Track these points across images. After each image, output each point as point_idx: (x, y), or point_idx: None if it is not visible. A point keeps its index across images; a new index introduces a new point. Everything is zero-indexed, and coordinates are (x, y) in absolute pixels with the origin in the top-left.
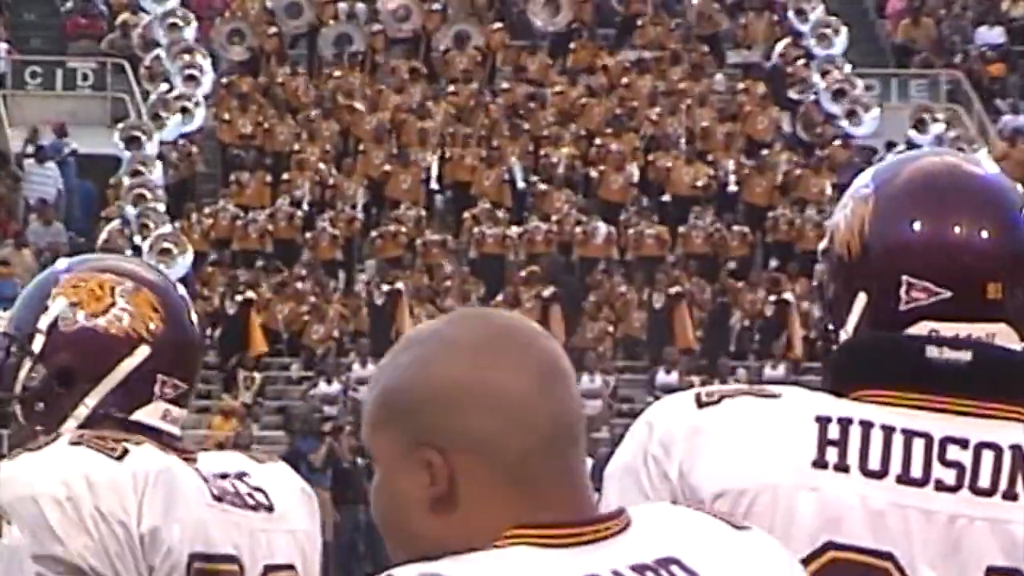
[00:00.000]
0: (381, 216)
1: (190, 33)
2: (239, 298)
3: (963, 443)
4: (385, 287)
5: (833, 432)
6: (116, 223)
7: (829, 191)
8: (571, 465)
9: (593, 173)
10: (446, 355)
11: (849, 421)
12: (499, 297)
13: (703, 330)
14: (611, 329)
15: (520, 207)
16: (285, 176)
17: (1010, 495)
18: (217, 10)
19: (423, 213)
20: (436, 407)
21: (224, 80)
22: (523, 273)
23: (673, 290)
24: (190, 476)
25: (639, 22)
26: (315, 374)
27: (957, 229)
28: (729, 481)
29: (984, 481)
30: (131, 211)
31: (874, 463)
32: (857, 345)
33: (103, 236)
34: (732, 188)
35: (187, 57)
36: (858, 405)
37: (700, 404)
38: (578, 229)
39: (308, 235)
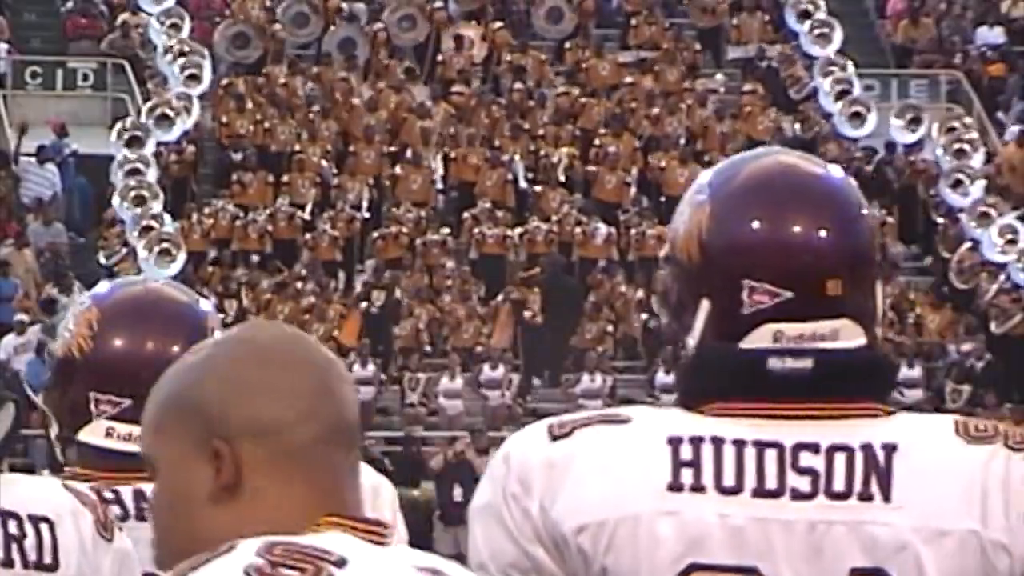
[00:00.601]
0: (382, 217)
1: (188, 32)
2: (237, 302)
3: (815, 448)
4: (383, 290)
5: (686, 453)
6: (116, 223)
7: None
8: (355, 466)
9: (591, 169)
10: (235, 354)
11: (701, 440)
12: (499, 297)
13: None
14: (611, 329)
15: (521, 207)
16: (285, 176)
17: (866, 496)
18: (216, 10)
19: (423, 213)
20: (224, 398)
21: (224, 80)
22: (523, 273)
23: None
24: None
25: (633, 22)
26: None
27: (793, 228)
28: (589, 514)
29: (839, 485)
30: (130, 211)
31: (729, 480)
32: (701, 360)
33: (103, 236)
34: None
35: (187, 57)
36: (709, 421)
37: (553, 437)
38: (578, 229)
39: (308, 235)
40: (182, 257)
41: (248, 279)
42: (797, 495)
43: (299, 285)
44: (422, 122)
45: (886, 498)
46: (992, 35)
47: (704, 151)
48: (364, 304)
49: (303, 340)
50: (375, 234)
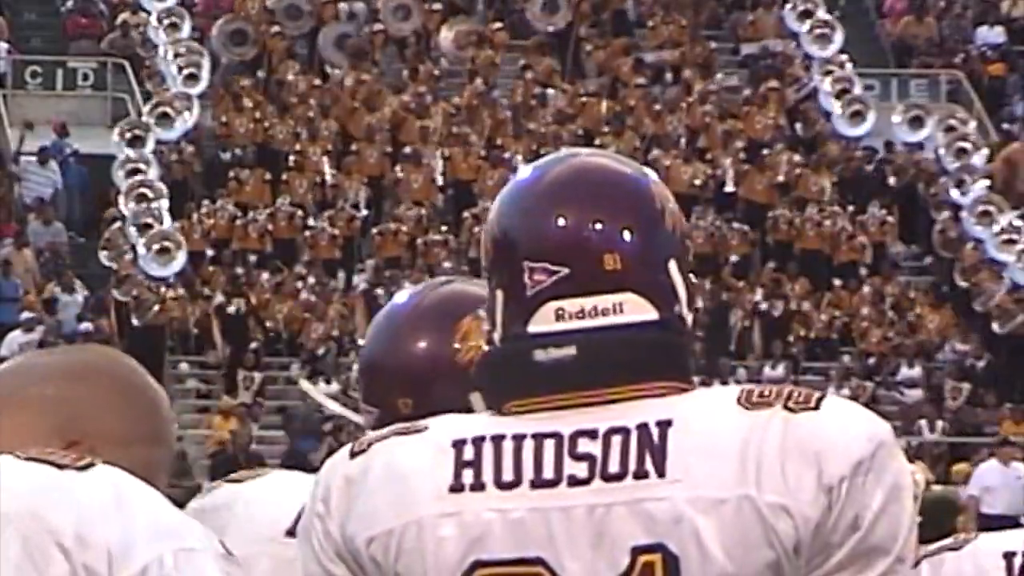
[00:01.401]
0: (382, 216)
1: (188, 32)
2: (242, 300)
3: (593, 434)
4: (382, 289)
5: (468, 454)
6: (116, 222)
7: (829, 191)
8: None
9: None
10: None
11: (482, 439)
12: None
13: (703, 330)
14: None
15: None
16: (284, 175)
17: (640, 474)
18: (223, 9)
19: (423, 213)
20: None
21: (223, 80)
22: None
23: None
24: None
25: (640, 20)
26: (315, 374)
27: (567, 208)
28: (377, 524)
29: (614, 466)
30: (131, 210)
31: (507, 474)
32: (483, 363)
33: (104, 235)
34: (731, 187)
35: (187, 56)
36: (499, 421)
37: (352, 454)
38: None
39: (308, 235)
40: (182, 256)
41: (248, 278)
42: (574, 481)
43: (299, 285)
44: (422, 121)
45: (660, 473)
46: (992, 35)
47: (705, 150)
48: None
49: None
50: (374, 231)
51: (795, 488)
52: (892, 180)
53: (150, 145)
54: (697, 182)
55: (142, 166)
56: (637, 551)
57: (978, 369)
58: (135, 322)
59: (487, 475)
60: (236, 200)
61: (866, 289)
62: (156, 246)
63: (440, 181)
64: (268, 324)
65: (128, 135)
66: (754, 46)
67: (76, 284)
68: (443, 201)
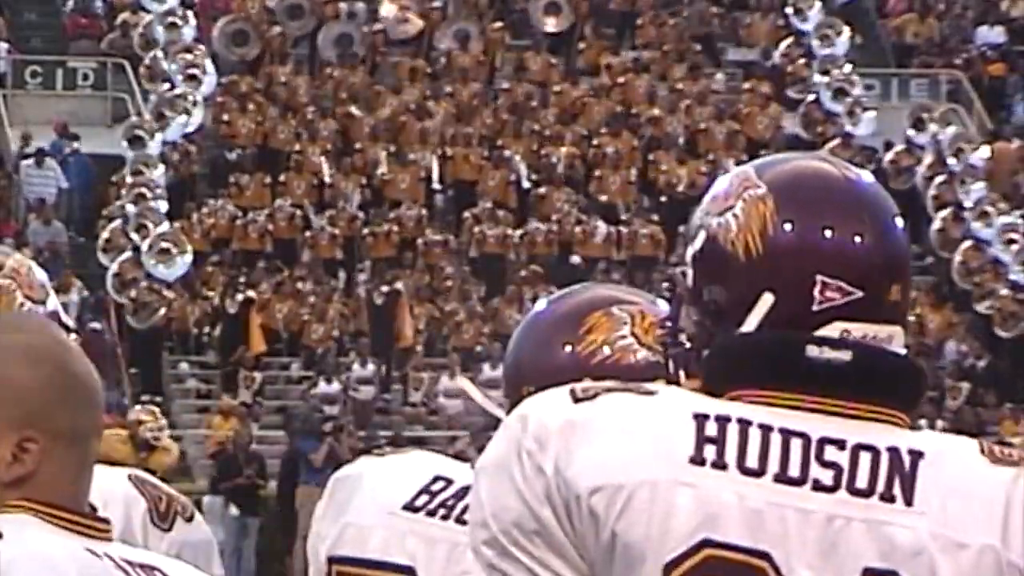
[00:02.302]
0: (379, 216)
1: (190, 32)
2: (239, 297)
3: (840, 444)
4: (384, 288)
5: (711, 429)
6: (116, 223)
7: None
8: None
9: (597, 172)
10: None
11: (727, 419)
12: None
13: None
14: None
15: (523, 207)
16: (284, 176)
17: (887, 497)
18: (218, 10)
19: (423, 213)
20: None
21: (224, 80)
22: (523, 273)
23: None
24: None
25: (639, 21)
26: (315, 374)
27: (865, 231)
28: (606, 476)
29: (861, 482)
30: (131, 210)
31: (752, 461)
32: (735, 345)
33: (104, 235)
34: None
35: (188, 56)
36: (735, 404)
37: (576, 399)
38: (578, 229)
39: (308, 234)
40: (187, 258)
41: (248, 278)
42: (819, 486)
43: (299, 285)
44: (421, 122)
45: (908, 502)
46: (992, 34)
47: (705, 151)
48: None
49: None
50: (365, 231)
51: None
52: (892, 180)
53: (154, 145)
54: (699, 183)
55: (142, 166)
56: (868, 573)
57: (978, 369)
58: (135, 323)
59: (730, 456)
60: (236, 201)
61: None
62: (158, 247)
63: (439, 182)
64: (268, 324)
65: (132, 135)
66: (753, 51)
67: (75, 284)
68: (443, 201)
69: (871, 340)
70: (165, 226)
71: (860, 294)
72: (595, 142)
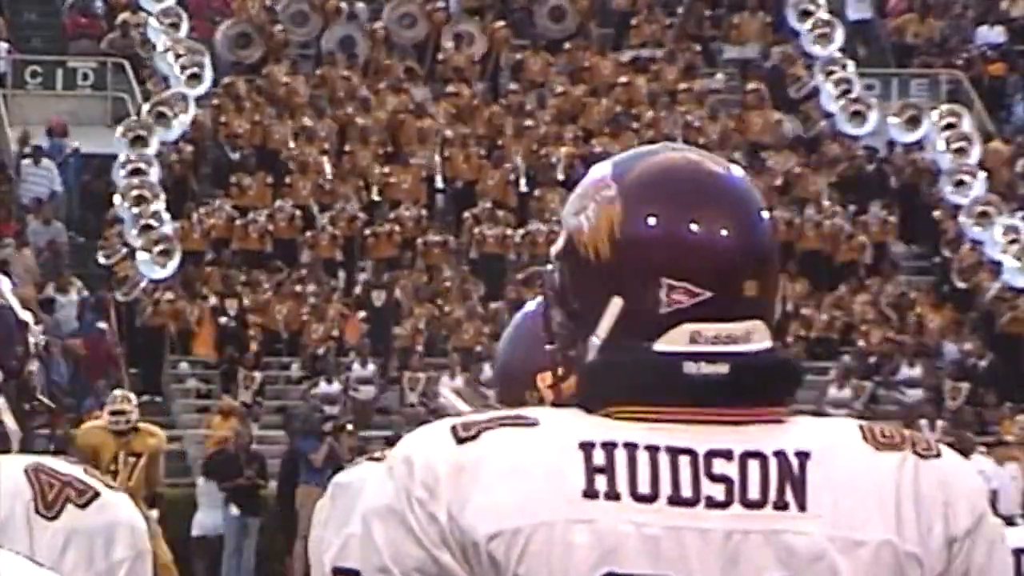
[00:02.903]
0: (379, 216)
1: (190, 33)
2: (242, 301)
3: (728, 455)
4: (383, 289)
5: (599, 458)
6: (116, 223)
7: (829, 191)
8: None
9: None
10: None
11: (613, 445)
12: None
13: None
14: None
15: (523, 207)
16: (285, 177)
17: (781, 504)
18: (216, 10)
19: (423, 213)
20: None
21: (224, 80)
22: (520, 275)
23: None
24: None
25: (634, 21)
26: (315, 374)
27: (716, 228)
28: (501, 522)
29: (754, 493)
30: (131, 211)
31: (644, 487)
32: (612, 361)
33: (103, 236)
34: None
35: (187, 57)
36: (618, 425)
37: (459, 439)
38: None
39: (308, 234)
40: (176, 259)
41: (248, 279)
42: (713, 503)
43: (298, 286)
44: (421, 122)
45: (801, 507)
46: (993, 34)
47: (705, 150)
48: (364, 303)
49: None
50: (367, 231)
51: (927, 538)
52: (892, 180)
53: (152, 145)
54: None
55: (143, 166)
56: None
57: (978, 369)
58: (135, 322)
59: (622, 485)
60: (237, 201)
61: (866, 289)
62: (155, 248)
63: (440, 182)
64: (268, 324)
65: (131, 135)
66: (751, 50)
67: (75, 284)
68: (443, 201)
69: (725, 339)
70: (166, 226)
71: (709, 294)
72: (594, 142)
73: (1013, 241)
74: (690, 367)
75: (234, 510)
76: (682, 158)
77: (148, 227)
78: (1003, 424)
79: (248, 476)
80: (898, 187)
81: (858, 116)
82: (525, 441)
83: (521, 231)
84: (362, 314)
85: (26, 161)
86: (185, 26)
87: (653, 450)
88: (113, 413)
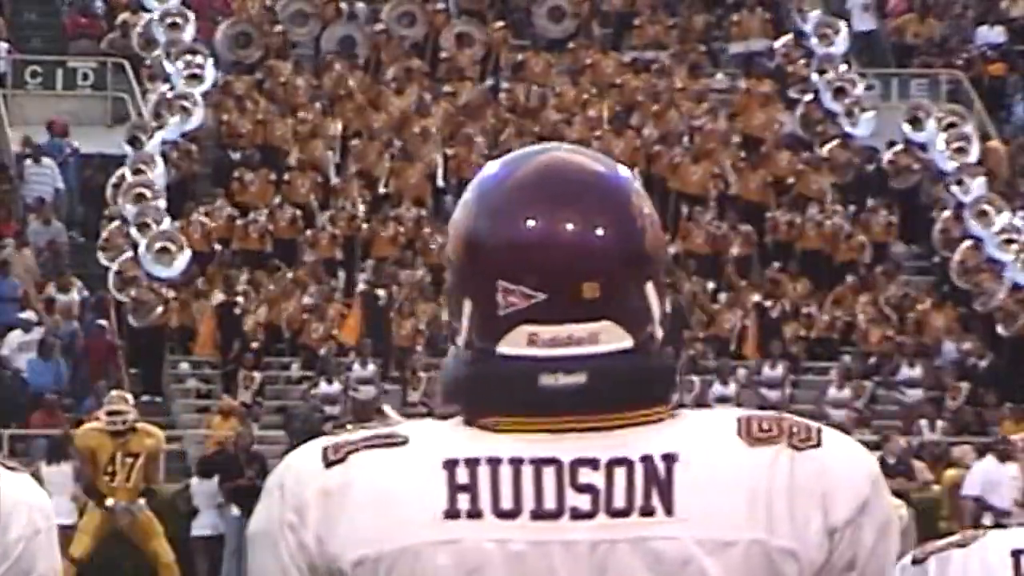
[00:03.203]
0: (380, 216)
1: (191, 32)
2: (239, 299)
3: (594, 463)
4: (383, 288)
5: (462, 476)
6: (116, 222)
7: (829, 191)
8: None
9: None
10: None
11: (476, 462)
12: None
13: (703, 330)
14: None
15: None
16: (286, 175)
17: (647, 511)
18: (217, 10)
19: (423, 213)
20: None
21: (225, 79)
22: None
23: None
24: None
25: (636, 21)
26: (315, 374)
27: (547, 229)
28: (365, 548)
29: (619, 501)
30: (131, 210)
31: (507, 503)
32: (470, 372)
33: (103, 235)
34: (731, 187)
35: (188, 57)
36: (487, 437)
37: (327, 463)
38: None
39: (309, 234)
40: (185, 257)
41: (249, 278)
42: (577, 514)
43: (299, 285)
44: (423, 121)
45: (668, 511)
46: (993, 34)
47: (705, 150)
48: (364, 303)
49: None
50: (368, 231)
51: (803, 531)
52: (892, 180)
53: (152, 144)
54: (696, 180)
55: (144, 166)
56: None
57: (978, 369)
58: (135, 323)
59: (484, 502)
60: (237, 201)
61: (866, 289)
62: (157, 246)
63: (441, 183)
64: (269, 324)
65: (130, 134)
66: (751, 45)
67: (75, 284)
68: (444, 201)
69: (565, 341)
70: (166, 225)
71: (543, 296)
72: (595, 142)
73: (1012, 241)
74: (546, 379)
75: (235, 510)
76: (541, 159)
77: (149, 226)
78: (1003, 424)
79: (249, 476)
80: (898, 187)
81: (858, 116)
82: (391, 463)
83: None
84: (361, 314)
85: (27, 161)
86: (187, 26)
87: (517, 463)
88: (110, 413)
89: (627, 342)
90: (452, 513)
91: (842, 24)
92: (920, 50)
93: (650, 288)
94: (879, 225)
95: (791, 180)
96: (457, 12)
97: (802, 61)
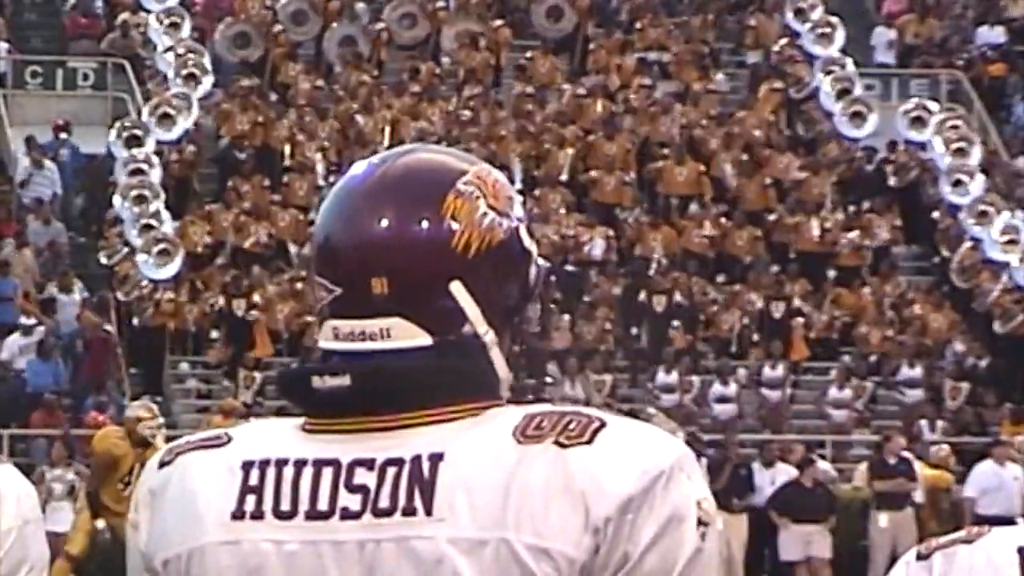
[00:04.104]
0: None
1: (190, 32)
2: (244, 301)
3: (370, 464)
4: None
5: (254, 478)
6: (116, 223)
7: (829, 191)
8: None
9: (593, 174)
10: None
11: (267, 463)
12: None
13: (702, 330)
14: (609, 327)
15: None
16: (285, 176)
17: (409, 510)
18: (220, 10)
19: None
20: None
21: (225, 80)
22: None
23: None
24: None
25: (639, 24)
26: None
27: (341, 226)
28: (169, 547)
29: (384, 501)
30: (131, 210)
31: (285, 504)
32: (279, 376)
33: (103, 236)
34: (731, 188)
35: (188, 56)
36: (293, 439)
37: (160, 464)
38: (572, 233)
39: (309, 234)
40: (179, 258)
41: (249, 279)
42: (347, 515)
43: (300, 285)
44: (422, 122)
45: (428, 511)
46: (993, 35)
47: (705, 151)
48: None
49: None
50: None
51: (559, 529)
52: (893, 180)
53: (150, 145)
54: (699, 183)
55: (143, 166)
56: None
57: (978, 369)
58: (135, 322)
59: (267, 503)
60: (236, 201)
61: (866, 289)
62: (155, 248)
63: None
64: (270, 324)
65: (127, 135)
66: (755, 51)
67: (75, 284)
68: None
69: (359, 336)
70: (166, 226)
71: (339, 291)
72: (592, 143)
73: (1012, 241)
74: (316, 381)
75: None
76: (382, 160)
77: (148, 227)
78: (1003, 424)
79: None
80: (898, 187)
81: (858, 116)
82: (203, 464)
83: None
84: None
85: (27, 162)
86: (187, 26)
87: (300, 464)
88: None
89: (422, 340)
90: (238, 514)
91: (839, 24)
92: (920, 50)
93: (458, 287)
94: (883, 229)
95: (791, 181)
96: (457, 12)
97: (802, 61)
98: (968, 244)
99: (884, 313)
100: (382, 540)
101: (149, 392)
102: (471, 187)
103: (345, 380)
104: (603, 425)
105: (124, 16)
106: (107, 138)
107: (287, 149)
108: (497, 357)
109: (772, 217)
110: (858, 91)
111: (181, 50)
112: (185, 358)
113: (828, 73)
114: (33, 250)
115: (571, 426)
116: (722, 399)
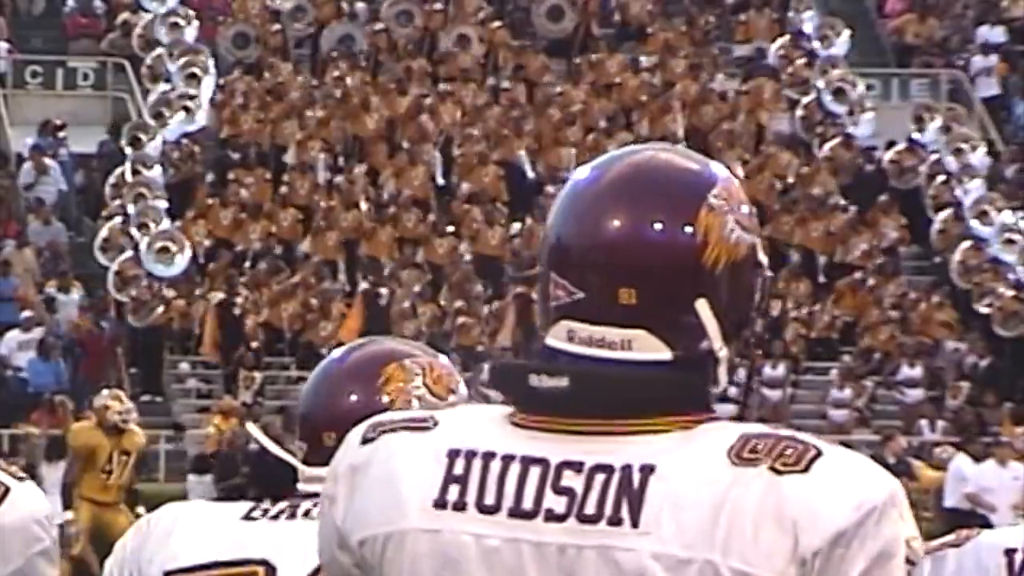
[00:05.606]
0: (381, 216)
1: (191, 33)
2: (239, 299)
3: (578, 467)
4: (384, 289)
5: (458, 467)
6: (116, 222)
7: (830, 191)
8: None
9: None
10: None
11: (474, 454)
12: (507, 296)
13: None
14: None
15: (524, 206)
16: (286, 176)
17: (615, 520)
18: (218, 10)
19: (424, 212)
20: None
21: (225, 79)
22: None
23: None
24: None
25: (640, 23)
26: None
27: (596, 229)
28: (368, 528)
29: (591, 508)
30: (131, 210)
31: (489, 498)
32: (495, 368)
33: (103, 235)
34: None
35: (188, 57)
36: (502, 431)
37: (363, 440)
38: None
39: (309, 234)
40: (185, 256)
41: (250, 278)
42: (551, 516)
43: (300, 285)
44: (422, 121)
45: (634, 523)
46: (993, 34)
47: (705, 151)
48: (365, 303)
49: None
50: (368, 231)
51: (765, 557)
52: (893, 180)
53: (152, 145)
54: None
55: (143, 166)
56: None
57: (978, 369)
58: (135, 322)
59: (471, 495)
60: (238, 200)
61: (867, 289)
62: (157, 245)
63: (442, 180)
64: (270, 324)
65: (130, 135)
66: (751, 48)
67: (74, 284)
68: (445, 201)
69: (597, 342)
70: (165, 224)
71: (582, 295)
72: (593, 141)
73: (1013, 241)
74: (534, 379)
75: None
76: (625, 161)
77: (150, 226)
78: (1003, 424)
79: (243, 474)
80: (899, 187)
81: (858, 116)
82: (408, 447)
83: (517, 227)
84: (361, 314)
85: (28, 162)
86: (191, 26)
87: (508, 459)
88: (107, 408)
89: (663, 354)
90: (440, 503)
91: (840, 23)
92: (920, 50)
93: (702, 305)
94: (891, 229)
95: (792, 181)
96: (456, 11)
97: (802, 61)
98: (968, 244)
99: (885, 313)
100: (584, 547)
101: (149, 392)
102: (720, 200)
103: (563, 381)
104: (819, 454)
105: (124, 16)
106: (107, 138)
107: (287, 148)
108: (723, 372)
109: (773, 217)
110: (858, 91)
111: (181, 50)
112: (185, 358)
113: (828, 73)
114: (33, 250)
115: (787, 452)
116: (722, 399)
